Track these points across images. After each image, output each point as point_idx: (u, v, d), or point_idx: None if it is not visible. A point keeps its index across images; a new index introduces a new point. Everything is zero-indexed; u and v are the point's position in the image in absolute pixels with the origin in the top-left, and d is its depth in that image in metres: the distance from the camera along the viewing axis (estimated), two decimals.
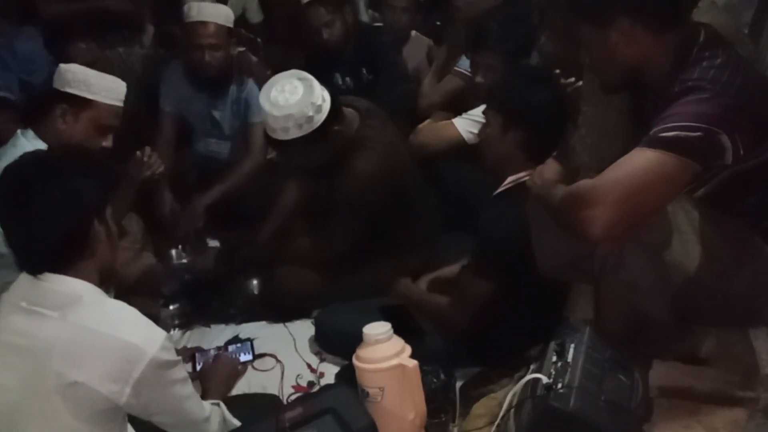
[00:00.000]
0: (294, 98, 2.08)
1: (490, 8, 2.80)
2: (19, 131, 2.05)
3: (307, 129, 2.10)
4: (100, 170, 1.42)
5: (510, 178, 1.88)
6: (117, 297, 1.45)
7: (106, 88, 2.07)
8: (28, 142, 2.00)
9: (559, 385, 1.37)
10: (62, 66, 2.08)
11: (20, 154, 1.95)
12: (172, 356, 1.39)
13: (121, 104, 2.11)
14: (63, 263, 1.35)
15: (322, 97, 2.11)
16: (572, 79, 2.13)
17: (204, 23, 2.77)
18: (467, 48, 2.63)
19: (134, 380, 1.30)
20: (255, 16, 3.90)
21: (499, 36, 2.44)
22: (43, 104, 2.06)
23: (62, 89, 2.03)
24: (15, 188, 1.36)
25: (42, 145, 1.98)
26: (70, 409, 1.28)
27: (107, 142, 2.09)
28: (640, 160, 1.37)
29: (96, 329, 1.31)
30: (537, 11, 2.64)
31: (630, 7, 1.47)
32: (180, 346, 2.26)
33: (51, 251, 1.34)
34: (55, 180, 1.35)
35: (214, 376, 1.99)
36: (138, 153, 2.27)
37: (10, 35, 3.16)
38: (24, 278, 1.37)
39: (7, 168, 1.41)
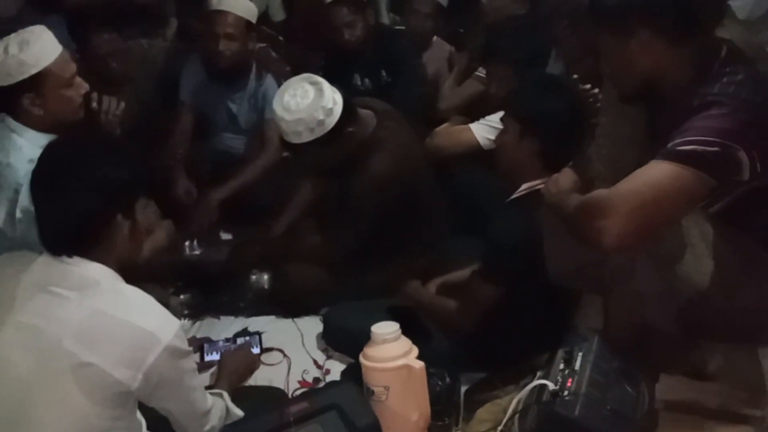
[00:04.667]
0: (305, 103, 2.10)
1: (503, 19, 2.82)
2: (3, 118, 1.95)
3: (319, 132, 2.13)
4: (131, 164, 1.44)
5: (524, 186, 1.89)
6: (128, 282, 1.46)
7: (40, 51, 1.89)
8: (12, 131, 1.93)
9: (565, 393, 1.37)
10: None
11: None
12: (185, 346, 1.41)
13: (60, 48, 1.94)
14: (82, 247, 1.37)
15: (333, 100, 2.13)
16: (588, 86, 2.14)
17: (223, 12, 2.80)
18: (481, 60, 2.65)
19: (147, 366, 1.32)
20: (277, 14, 3.93)
21: (510, 47, 2.47)
22: (5, 103, 1.94)
23: (12, 82, 1.88)
24: (49, 168, 1.40)
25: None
26: (82, 389, 1.30)
27: (82, 88, 2.00)
28: (656, 173, 1.38)
29: (112, 314, 1.32)
30: (557, 20, 2.65)
31: (651, 19, 1.48)
32: (189, 336, 2.28)
33: (70, 234, 1.36)
34: (85, 165, 1.38)
35: (233, 363, 2.02)
36: (93, 105, 2.14)
37: (36, 23, 3.19)
38: (43, 259, 1.39)
39: (49, 147, 1.45)
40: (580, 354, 1.47)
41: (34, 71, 1.88)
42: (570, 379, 1.41)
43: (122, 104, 2.21)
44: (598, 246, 1.39)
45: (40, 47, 1.90)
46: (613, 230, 1.35)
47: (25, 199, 1.81)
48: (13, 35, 1.91)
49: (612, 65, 1.61)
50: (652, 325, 1.52)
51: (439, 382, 1.82)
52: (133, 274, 1.46)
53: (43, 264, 1.38)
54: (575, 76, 2.21)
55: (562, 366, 1.46)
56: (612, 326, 1.59)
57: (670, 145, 1.39)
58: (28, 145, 1.89)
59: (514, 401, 1.49)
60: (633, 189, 1.38)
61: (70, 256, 1.36)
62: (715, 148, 1.36)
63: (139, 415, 1.46)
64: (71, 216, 1.36)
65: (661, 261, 1.48)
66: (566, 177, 1.68)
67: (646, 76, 1.53)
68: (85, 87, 2.00)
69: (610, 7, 1.52)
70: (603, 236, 1.36)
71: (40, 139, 1.87)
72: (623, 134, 1.89)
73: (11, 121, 1.94)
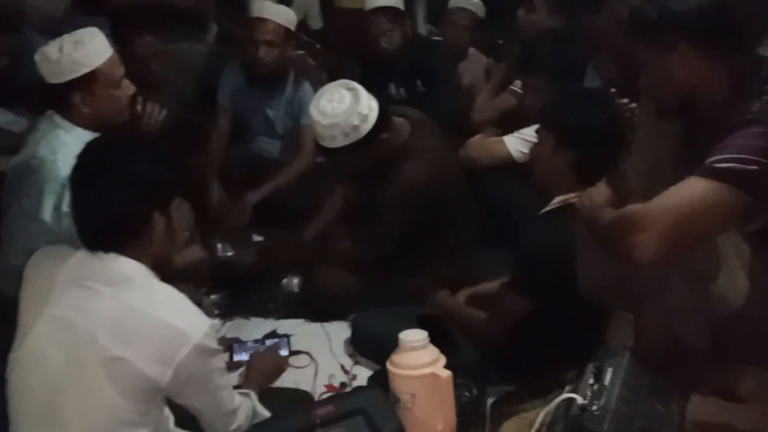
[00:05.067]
0: (341, 108, 2.13)
1: (542, 31, 2.82)
2: (50, 115, 2.01)
3: (353, 137, 2.15)
4: (170, 164, 1.47)
5: (558, 198, 1.87)
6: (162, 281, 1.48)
7: (93, 51, 1.96)
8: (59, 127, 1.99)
9: (594, 407, 1.36)
10: (40, 60, 1.96)
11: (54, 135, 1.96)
12: (214, 345, 1.42)
13: (112, 50, 2.02)
14: (119, 244, 1.39)
15: (368, 106, 2.15)
16: (626, 100, 2.13)
17: (263, 20, 2.86)
18: (518, 71, 2.66)
19: (177, 363, 1.33)
20: (315, 22, 3.98)
21: (547, 59, 2.46)
22: (55, 100, 2.00)
23: (63, 80, 1.95)
24: (89, 165, 1.42)
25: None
26: (112, 383, 1.32)
27: (129, 90, 2.06)
28: (693, 189, 1.36)
29: (145, 311, 1.34)
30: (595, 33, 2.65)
31: (692, 34, 1.46)
32: (219, 336, 2.29)
33: (108, 231, 1.39)
34: (124, 163, 1.40)
35: (261, 364, 2.05)
36: (137, 108, 2.22)
37: (81, 24, 3.27)
38: (81, 254, 1.41)
39: (88, 145, 1.47)
40: (610, 369, 1.45)
41: (85, 70, 1.95)
42: (599, 394, 1.40)
43: (164, 111, 2.29)
44: (631, 261, 1.37)
45: (93, 48, 1.97)
46: (647, 245, 1.34)
47: None
48: (67, 35, 1.98)
49: (651, 80, 1.60)
50: (684, 343, 1.50)
51: (466, 393, 1.82)
52: (166, 273, 1.49)
53: (80, 259, 1.41)
54: (612, 89, 2.20)
55: (591, 380, 1.44)
56: (643, 343, 1.57)
57: (707, 161, 1.38)
58: (75, 142, 1.90)
59: (542, 414, 1.48)
60: (668, 204, 1.36)
61: (106, 252, 1.39)
62: (754, 167, 1.34)
63: (167, 411, 1.48)
64: (109, 212, 1.38)
65: (694, 278, 1.46)
66: (601, 191, 1.67)
67: (685, 91, 1.52)
68: (131, 89, 2.07)
69: (651, 21, 1.51)
70: (637, 251, 1.35)
71: (86, 136, 1.88)
72: (660, 150, 1.87)
73: (58, 118, 1.99)
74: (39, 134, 2.01)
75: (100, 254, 1.39)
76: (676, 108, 1.58)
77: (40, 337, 1.38)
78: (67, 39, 1.96)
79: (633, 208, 1.42)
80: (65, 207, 1.89)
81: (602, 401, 1.38)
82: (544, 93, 2.38)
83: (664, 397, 1.45)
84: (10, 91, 2.86)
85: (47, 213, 1.92)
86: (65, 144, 1.94)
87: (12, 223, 2.01)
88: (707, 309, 1.49)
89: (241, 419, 1.56)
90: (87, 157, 1.45)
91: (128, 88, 2.06)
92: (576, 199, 1.74)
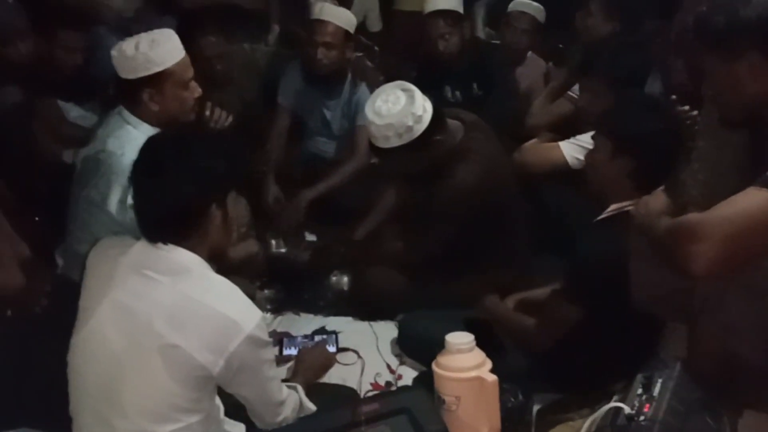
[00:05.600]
0: (396, 108, 2.14)
1: (605, 35, 2.78)
2: (120, 110, 2.08)
3: (407, 138, 2.16)
4: (227, 158, 1.50)
5: (613, 206, 1.85)
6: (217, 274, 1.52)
7: (166, 52, 2.03)
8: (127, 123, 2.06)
9: (642, 418, 1.34)
10: (117, 55, 2.03)
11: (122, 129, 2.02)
12: (265, 337, 1.46)
13: (184, 53, 2.08)
14: (177, 235, 1.44)
15: (423, 107, 2.16)
16: (687, 108, 2.08)
17: (324, 22, 2.91)
18: (578, 75, 2.63)
19: (229, 353, 1.37)
20: (375, 24, 4.01)
21: (609, 64, 2.42)
22: (126, 95, 2.07)
23: (136, 77, 2.02)
24: (151, 158, 1.48)
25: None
26: (167, 369, 1.37)
27: (196, 92, 2.12)
28: (753, 200, 1.33)
29: (200, 300, 1.39)
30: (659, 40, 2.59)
31: (761, 41, 1.43)
32: (270, 330, 2.33)
33: (167, 223, 1.44)
34: (183, 156, 1.45)
35: (309, 359, 2.09)
36: (206, 113, 2.31)
37: (150, 23, 3.38)
38: (141, 244, 1.47)
39: (150, 139, 1.53)
40: (660, 380, 1.43)
41: (158, 69, 2.02)
42: (648, 405, 1.37)
43: (230, 118, 2.40)
44: (686, 272, 1.34)
45: (168, 49, 2.05)
46: (704, 256, 1.31)
47: None
48: (144, 34, 2.06)
49: (717, 88, 1.56)
50: (740, 358, 1.46)
51: (512, 399, 1.81)
52: (221, 265, 1.53)
53: (140, 249, 1.46)
54: (674, 97, 2.15)
55: (640, 390, 1.42)
56: (696, 356, 1.54)
57: None
58: (142, 137, 1.96)
59: (588, 422, 1.46)
60: (727, 215, 1.33)
61: (165, 243, 1.44)
62: None
63: (217, 400, 1.52)
64: (168, 205, 1.43)
65: (752, 292, 1.42)
66: (657, 199, 1.63)
67: (752, 100, 1.48)
68: (198, 91, 2.13)
69: (718, 28, 1.48)
70: (692, 262, 1.32)
71: (153, 133, 1.96)
72: (721, 160, 1.83)
73: (127, 114, 2.07)
74: (108, 129, 2.09)
75: (160, 245, 1.44)
76: (741, 117, 1.54)
77: (100, 322, 1.43)
78: (144, 37, 2.05)
79: (690, 217, 1.39)
80: (131, 200, 1.97)
81: (650, 412, 1.35)
82: (603, 98, 2.35)
83: (716, 411, 1.42)
84: (81, 87, 2.98)
85: (113, 205, 1.99)
86: (133, 139, 2.00)
87: (79, 212, 2.09)
88: (765, 324, 1.44)
89: (288, 411, 1.59)
90: (148, 151, 1.50)
91: (195, 90, 2.13)
92: (632, 207, 1.72)
